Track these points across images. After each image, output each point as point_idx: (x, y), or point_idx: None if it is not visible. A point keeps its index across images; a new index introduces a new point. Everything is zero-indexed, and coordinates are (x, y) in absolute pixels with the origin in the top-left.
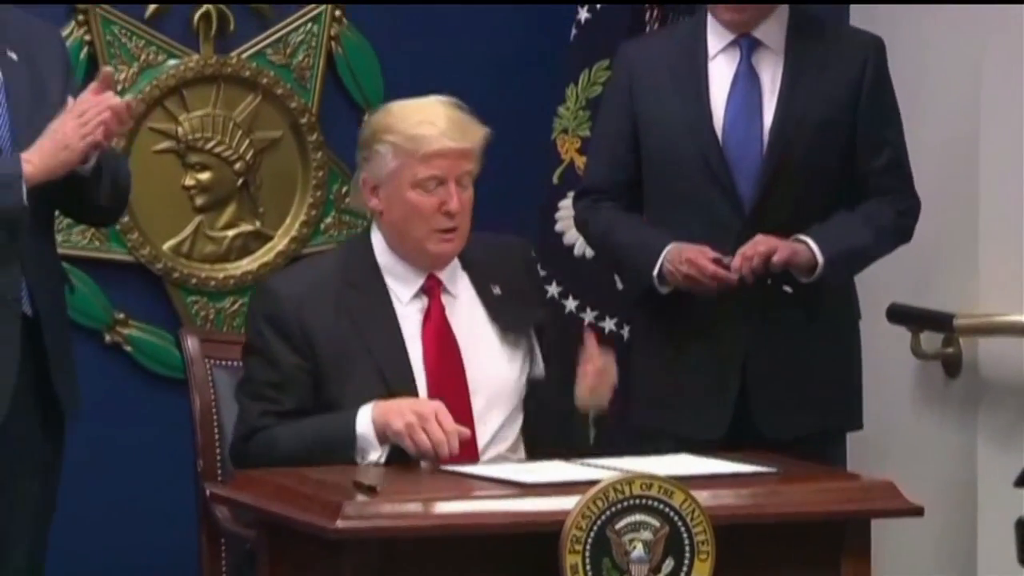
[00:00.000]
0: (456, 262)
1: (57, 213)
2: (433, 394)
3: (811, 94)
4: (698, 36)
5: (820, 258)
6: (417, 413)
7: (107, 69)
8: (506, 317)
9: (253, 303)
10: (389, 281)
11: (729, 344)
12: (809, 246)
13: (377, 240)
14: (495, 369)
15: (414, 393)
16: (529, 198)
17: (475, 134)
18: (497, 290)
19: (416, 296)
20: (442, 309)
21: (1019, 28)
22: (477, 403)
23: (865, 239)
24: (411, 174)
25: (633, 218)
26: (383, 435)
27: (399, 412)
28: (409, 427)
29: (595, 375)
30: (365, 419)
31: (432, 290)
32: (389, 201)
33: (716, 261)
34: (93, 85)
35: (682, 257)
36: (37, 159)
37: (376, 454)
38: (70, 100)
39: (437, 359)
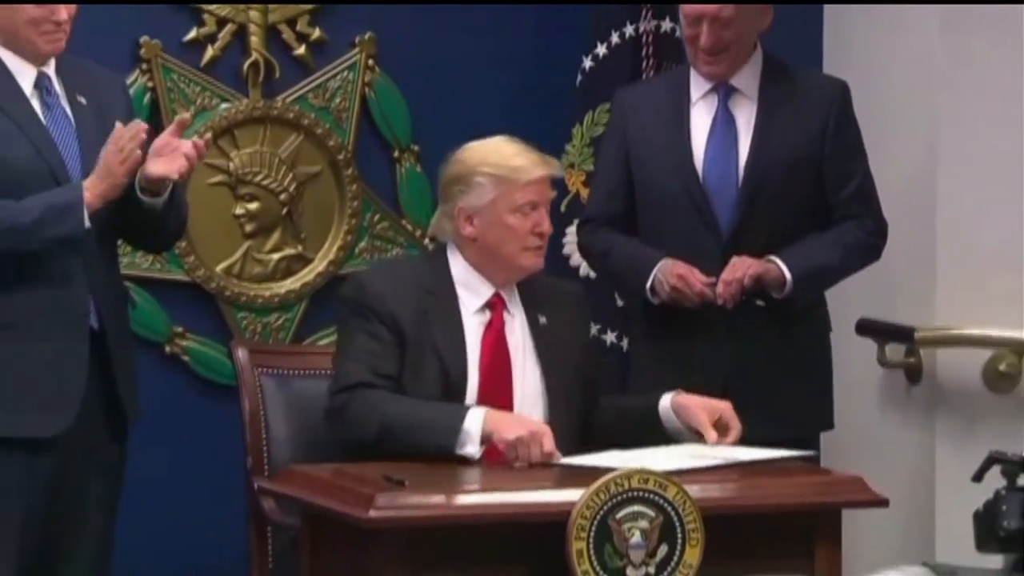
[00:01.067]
0: (514, 287)
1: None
2: (483, 390)
3: (782, 134)
4: (682, 84)
5: (788, 276)
6: (530, 432)
7: (184, 116)
8: (544, 344)
9: (349, 291)
10: (461, 292)
11: (714, 356)
12: (778, 265)
13: (454, 258)
14: (534, 378)
15: (465, 386)
16: None
17: (557, 164)
18: (543, 320)
19: (481, 309)
20: (503, 323)
21: (973, 67)
22: (517, 403)
23: (832, 258)
24: (510, 201)
25: (629, 240)
26: (488, 437)
27: (513, 426)
28: (520, 440)
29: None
30: (476, 418)
31: (495, 305)
32: (485, 226)
33: (708, 284)
34: (171, 128)
35: (674, 272)
36: (92, 186)
37: (473, 448)
38: (118, 124)
39: (490, 362)
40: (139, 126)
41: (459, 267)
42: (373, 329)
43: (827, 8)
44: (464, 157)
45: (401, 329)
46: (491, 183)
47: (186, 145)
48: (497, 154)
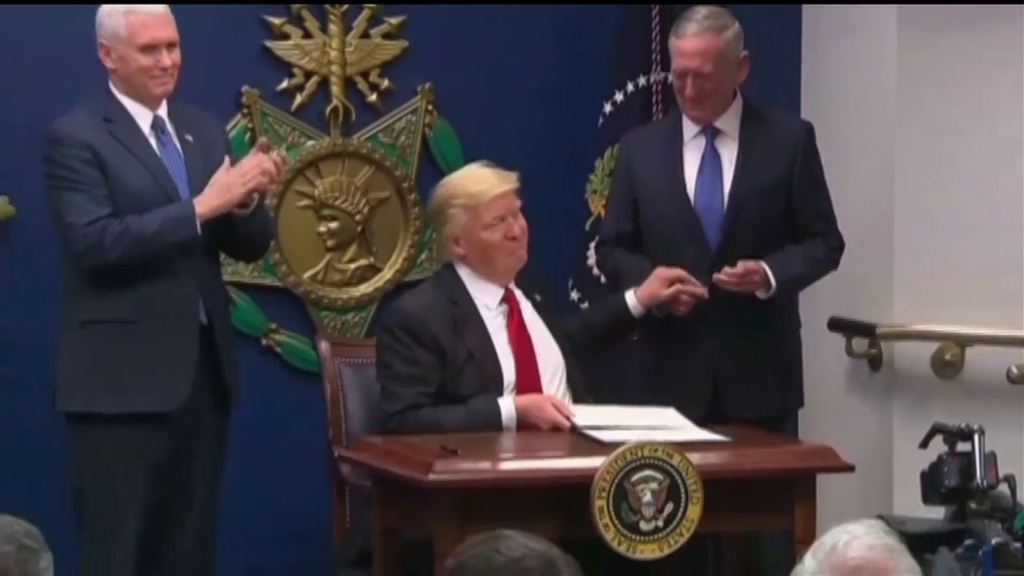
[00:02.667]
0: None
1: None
2: (519, 371)
3: (758, 167)
4: (676, 127)
5: (773, 282)
6: (547, 422)
7: (263, 139)
8: (547, 317)
9: (389, 318)
10: (478, 296)
11: (705, 349)
12: (767, 273)
13: (461, 271)
14: (550, 351)
15: (499, 371)
16: (568, 241)
17: (512, 177)
18: (538, 297)
19: (500, 304)
20: (521, 312)
21: (927, 84)
22: (545, 375)
23: (805, 269)
24: (480, 221)
25: (634, 259)
26: (522, 423)
27: (535, 419)
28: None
29: None
30: (510, 414)
31: (510, 300)
32: (470, 245)
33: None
34: (254, 149)
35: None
36: (205, 200)
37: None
38: (227, 159)
39: (519, 346)
40: (263, 158)
41: (467, 277)
42: (413, 355)
43: (804, 21)
44: (438, 194)
45: (441, 346)
46: (461, 211)
47: (267, 162)
48: (461, 186)
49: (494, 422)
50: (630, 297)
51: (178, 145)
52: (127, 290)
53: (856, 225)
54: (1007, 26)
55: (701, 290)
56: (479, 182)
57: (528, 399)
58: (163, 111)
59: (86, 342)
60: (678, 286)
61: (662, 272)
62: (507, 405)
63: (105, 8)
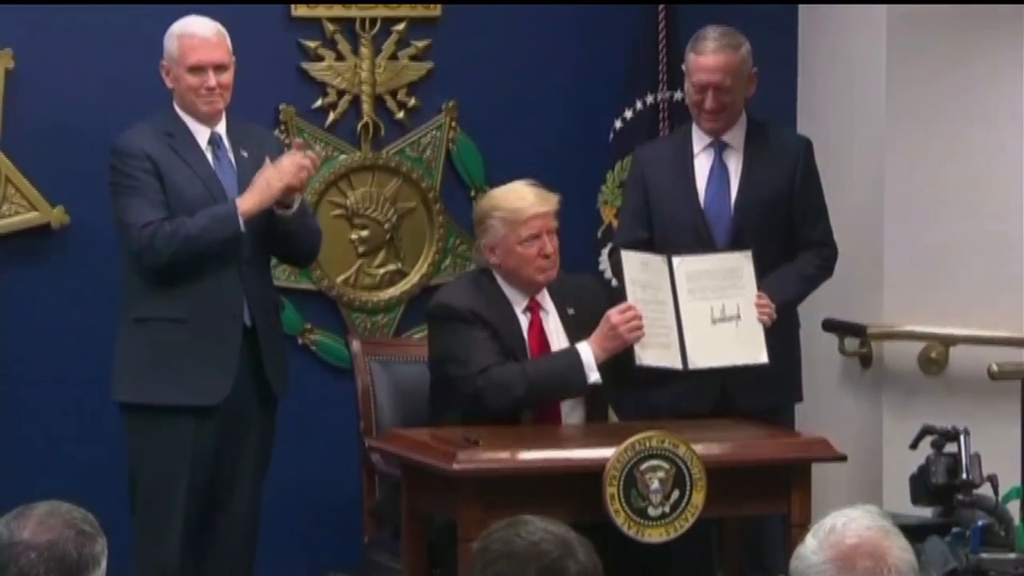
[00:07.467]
0: (544, 290)
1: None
2: None
3: (761, 179)
4: (686, 141)
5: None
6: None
7: (299, 140)
8: (574, 329)
9: (439, 310)
10: (509, 298)
11: None
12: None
13: (496, 276)
14: None
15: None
16: (580, 247)
17: (553, 200)
18: (571, 311)
19: (523, 312)
20: (541, 320)
21: (912, 120)
22: None
23: (797, 291)
24: (516, 235)
25: None
26: (599, 358)
27: (605, 345)
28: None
29: None
30: (587, 353)
31: (533, 308)
32: (504, 256)
33: None
34: (291, 150)
35: None
36: (246, 198)
37: (595, 375)
38: (267, 160)
39: (537, 351)
40: (299, 157)
41: (501, 282)
42: (472, 332)
43: (800, 29)
44: (481, 204)
45: (492, 325)
46: (500, 224)
47: (304, 159)
48: (504, 200)
49: (575, 364)
50: None
51: (232, 160)
52: (179, 291)
53: (849, 233)
54: (997, 31)
55: None
56: (521, 199)
57: (597, 333)
58: (222, 128)
59: (140, 337)
60: None
61: None
62: (585, 349)
63: (167, 33)
